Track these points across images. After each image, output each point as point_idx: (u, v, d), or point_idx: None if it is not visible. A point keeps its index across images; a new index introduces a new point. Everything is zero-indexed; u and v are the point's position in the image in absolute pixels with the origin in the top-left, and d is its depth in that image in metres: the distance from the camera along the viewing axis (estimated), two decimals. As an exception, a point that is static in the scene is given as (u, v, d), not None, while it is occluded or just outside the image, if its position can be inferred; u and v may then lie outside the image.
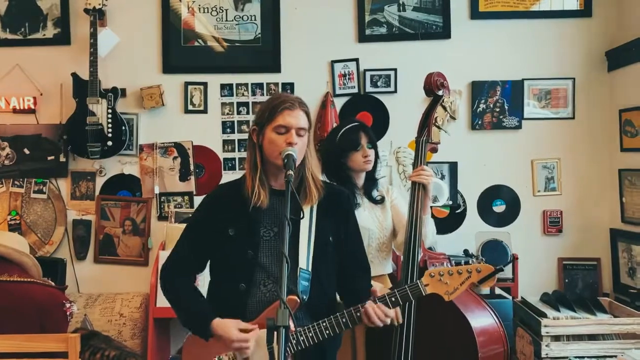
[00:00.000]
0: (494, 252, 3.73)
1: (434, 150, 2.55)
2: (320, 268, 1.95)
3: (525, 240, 3.89)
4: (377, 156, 2.72)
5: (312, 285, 1.92)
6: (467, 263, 3.37)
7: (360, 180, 2.74)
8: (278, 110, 1.92)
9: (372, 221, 2.67)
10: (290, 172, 1.82)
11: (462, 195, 3.97)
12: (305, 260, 1.91)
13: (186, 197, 3.90)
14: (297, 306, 1.87)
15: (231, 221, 1.95)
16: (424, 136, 2.48)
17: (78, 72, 3.76)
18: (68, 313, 2.49)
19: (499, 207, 3.95)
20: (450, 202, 3.91)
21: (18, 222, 3.83)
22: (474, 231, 3.87)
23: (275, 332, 1.54)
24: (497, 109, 3.93)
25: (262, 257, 1.93)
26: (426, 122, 2.51)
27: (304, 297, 1.90)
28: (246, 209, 1.93)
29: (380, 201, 2.71)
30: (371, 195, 2.72)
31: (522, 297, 3.53)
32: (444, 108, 2.58)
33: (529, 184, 3.94)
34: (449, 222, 3.93)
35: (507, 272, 3.68)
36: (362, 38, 3.89)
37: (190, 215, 3.52)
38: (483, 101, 3.92)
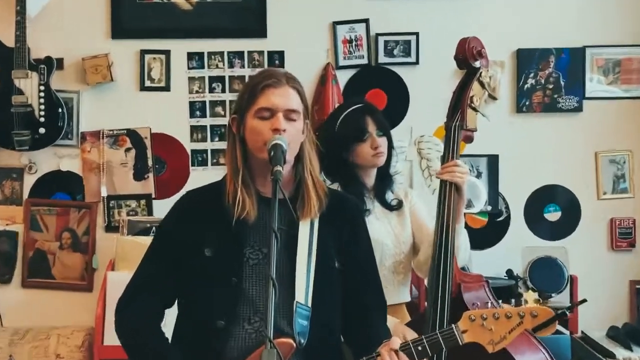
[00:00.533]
0: (546, 273, 3.74)
1: (469, 139, 2.55)
2: (323, 302, 1.96)
3: (587, 257, 3.90)
4: (390, 146, 2.71)
5: (312, 325, 1.92)
6: (512, 288, 3.65)
7: (370, 178, 2.72)
8: (259, 89, 1.94)
9: (385, 233, 2.67)
10: (278, 167, 1.82)
11: (504, 199, 3.95)
12: (303, 292, 1.92)
13: (142, 202, 3.89)
14: (292, 351, 1.88)
15: (208, 238, 1.96)
16: (456, 121, 2.48)
17: (0, 37, 3.76)
18: (-12, 353, 2.44)
19: (553, 215, 3.97)
20: (489, 208, 3.91)
21: None
22: (520, 246, 3.87)
23: (258, 382, 1.53)
24: (551, 86, 3.94)
25: (248, 285, 1.94)
26: (459, 102, 2.50)
27: (302, 340, 1.90)
28: (228, 223, 1.93)
29: (397, 206, 2.71)
30: (384, 199, 2.71)
31: (582, 332, 3.57)
32: (482, 84, 2.53)
33: (592, 184, 3.96)
34: (488, 234, 3.91)
35: (564, 298, 3.69)
36: (374, -8, 3.96)
37: (150, 226, 3.66)
38: (532, 75, 3.92)
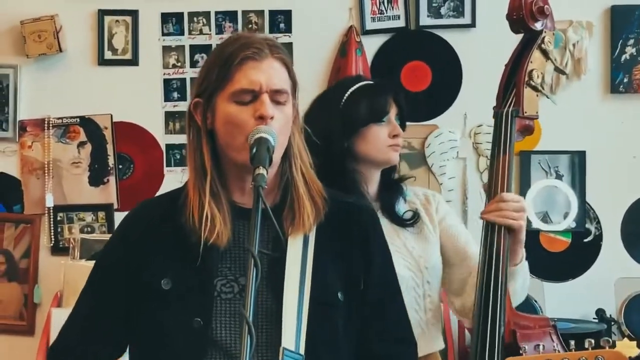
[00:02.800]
0: None
1: (529, 130, 2.47)
2: (321, 348, 1.92)
3: None
4: None
5: None
6: (602, 334, 3.45)
7: (373, 184, 2.63)
8: (234, 62, 1.89)
9: (398, 259, 2.53)
10: (261, 170, 1.76)
11: (593, 212, 3.84)
12: (293, 334, 1.89)
13: (101, 214, 3.86)
14: None
15: (166, 266, 1.93)
16: (509, 106, 2.41)
17: None
18: None
19: (662, 234, 3.88)
20: (573, 225, 3.81)
21: None
22: (615, 276, 3.75)
23: None
24: (659, 56, 3.85)
25: (218, 327, 1.92)
26: (513, 79, 2.43)
27: (290, 402, 1.91)
28: (192, 245, 1.90)
29: (412, 220, 2.62)
30: (395, 211, 2.62)
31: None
32: (546, 54, 2.43)
33: None
34: (571, 261, 3.81)
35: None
36: None
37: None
38: (631, 42, 3.81)
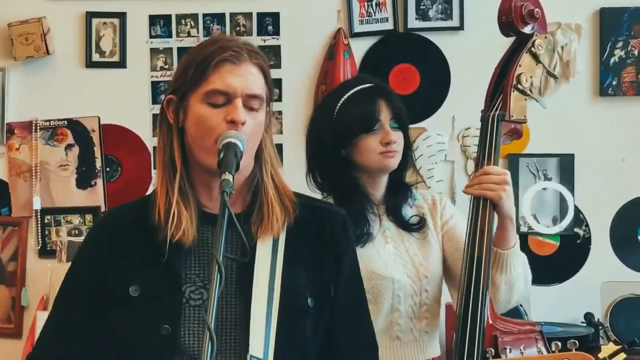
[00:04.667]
0: (636, 319, 3.66)
1: (517, 133, 2.49)
2: (290, 355, 1.94)
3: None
4: (407, 146, 2.67)
5: None
6: (590, 339, 3.56)
7: (379, 188, 2.66)
8: (211, 64, 1.92)
9: (399, 265, 2.60)
10: (228, 176, 1.78)
11: (582, 215, 3.83)
12: (262, 342, 1.90)
13: (89, 217, 3.87)
14: None
15: (135, 273, 1.95)
16: (495, 109, 2.44)
17: None
18: None
19: (651, 237, 3.88)
20: (562, 228, 3.80)
21: None
22: (603, 280, 3.73)
23: None
24: (648, 59, 3.84)
25: (187, 335, 1.93)
26: (501, 83, 2.45)
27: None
28: (159, 246, 1.92)
29: (417, 226, 2.65)
30: (401, 215, 2.65)
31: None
32: (536, 58, 2.47)
33: None
34: (560, 264, 3.79)
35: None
36: None
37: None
38: (620, 45, 3.80)
